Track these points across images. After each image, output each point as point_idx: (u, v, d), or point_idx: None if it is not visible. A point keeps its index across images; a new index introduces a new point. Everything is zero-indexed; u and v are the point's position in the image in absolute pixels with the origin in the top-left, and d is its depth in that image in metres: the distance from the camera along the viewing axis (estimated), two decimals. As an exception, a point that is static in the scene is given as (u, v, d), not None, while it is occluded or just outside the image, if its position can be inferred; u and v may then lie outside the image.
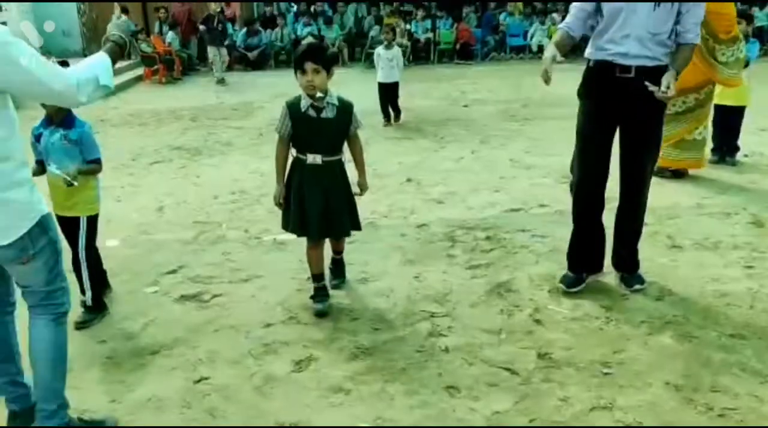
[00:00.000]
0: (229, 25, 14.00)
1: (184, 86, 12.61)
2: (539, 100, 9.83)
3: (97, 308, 3.79)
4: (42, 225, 2.45)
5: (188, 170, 6.89)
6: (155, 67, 12.63)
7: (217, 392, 3.11)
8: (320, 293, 3.84)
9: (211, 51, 12.38)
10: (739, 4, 12.29)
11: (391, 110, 8.72)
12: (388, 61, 8.48)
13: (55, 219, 3.06)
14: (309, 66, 3.41)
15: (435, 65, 13.85)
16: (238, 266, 4.51)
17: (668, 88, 3.41)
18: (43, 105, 3.40)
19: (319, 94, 3.46)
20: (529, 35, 14.36)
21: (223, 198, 5.96)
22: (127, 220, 5.43)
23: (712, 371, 3.10)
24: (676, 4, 3.51)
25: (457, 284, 4.10)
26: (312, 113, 3.51)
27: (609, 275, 4.11)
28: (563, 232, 4.79)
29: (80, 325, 3.66)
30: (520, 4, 15.00)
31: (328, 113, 3.52)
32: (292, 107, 3.54)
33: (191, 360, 3.37)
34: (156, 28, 14.40)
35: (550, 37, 14.37)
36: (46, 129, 3.62)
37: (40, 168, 3.63)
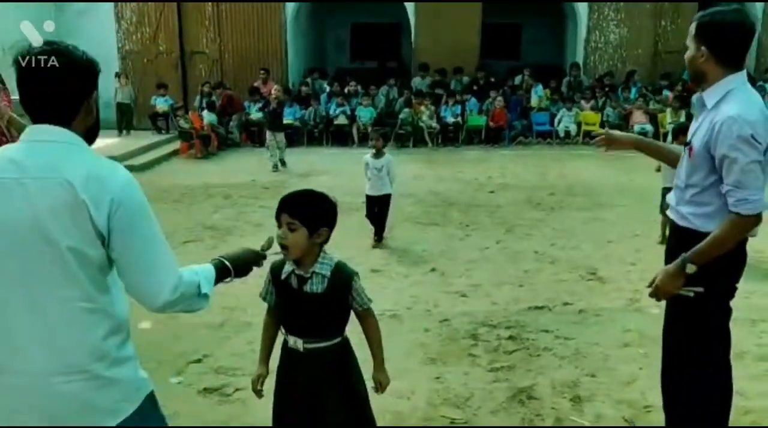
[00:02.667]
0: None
1: (218, 161, 12.99)
2: (565, 189, 9.94)
3: None
4: (152, 401, 2.08)
5: (219, 250, 7.02)
6: (192, 141, 13.07)
7: (235, 496, 3.12)
8: None
9: (269, 135, 12.18)
10: None
11: (373, 226, 7.26)
12: (377, 171, 7.18)
13: None
14: (284, 219, 2.57)
15: (462, 148, 14.09)
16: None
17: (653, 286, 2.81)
18: None
19: (302, 260, 2.61)
20: (556, 121, 14.61)
21: (250, 282, 6.04)
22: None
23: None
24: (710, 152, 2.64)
25: (478, 388, 4.09)
26: (293, 282, 2.66)
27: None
28: (587, 334, 4.82)
29: None
30: (547, 91, 15.31)
31: (315, 286, 2.63)
32: (275, 270, 2.72)
33: (211, 459, 3.40)
34: (197, 102, 14.93)
35: (577, 124, 14.63)
36: None
37: None
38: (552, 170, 11.40)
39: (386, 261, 6.60)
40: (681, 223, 2.85)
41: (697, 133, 2.72)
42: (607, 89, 15.24)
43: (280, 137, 12.08)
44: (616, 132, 3.32)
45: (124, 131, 14.86)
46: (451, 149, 14.05)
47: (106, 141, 14.18)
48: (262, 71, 15.71)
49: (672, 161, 3.14)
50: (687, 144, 2.82)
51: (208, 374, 4.30)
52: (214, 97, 14.73)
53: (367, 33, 19.71)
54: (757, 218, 2.59)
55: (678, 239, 2.86)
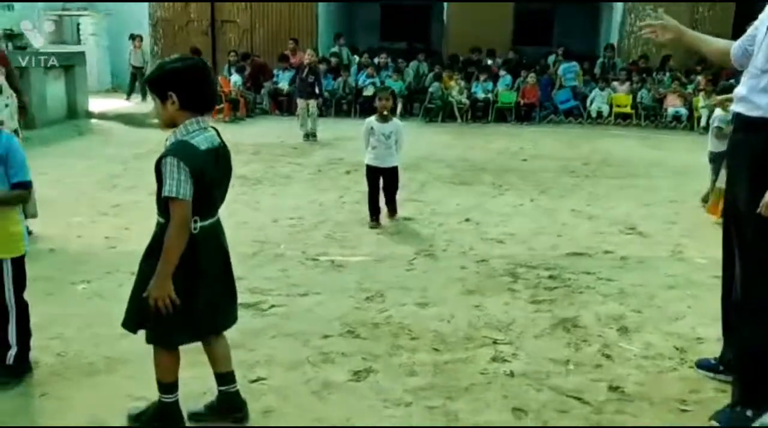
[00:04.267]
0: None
1: (246, 125, 12.91)
2: (599, 161, 9.73)
3: (19, 370, 3.02)
4: None
5: (249, 197, 6.94)
6: (221, 105, 12.99)
7: (274, 392, 3.03)
8: None
9: (300, 103, 11.32)
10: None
11: (383, 204, 6.06)
12: (384, 138, 5.84)
13: None
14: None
15: (492, 124, 13.90)
16: (296, 282, 4.47)
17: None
18: None
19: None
20: (588, 101, 14.35)
21: (281, 222, 5.97)
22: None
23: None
24: None
25: (520, 316, 3.96)
26: None
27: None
28: (630, 277, 4.66)
29: None
30: (580, 72, 15.05)
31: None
32: None
33: (248, 361, 3.30)
34: (225, 70, 14.87)
35: (609, 104, 14.38)
36: None
37: None
38: (584, 145, 11.17)
39: (419, 211, 6.46)
40: (753, 113, 2.69)
41: None
42: (643, 74, 14.95)
43: (313, 104, 11.21)
44: (668, 19, 3.11)
45: (134, 95, 14.78)
46: (481, 125, 13.85)
47: (128, 103, 14.25)
48: (291, 41, 15.60)
49: (714, 52, 3.16)
50: None
51: (243, 293, 4.15)
52: (243, 64, 14.67)
53: (397, 14, 19.57)
54: None
55: (747, 132, 2.72)
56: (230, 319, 2.83)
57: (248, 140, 10.78)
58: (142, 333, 2.67)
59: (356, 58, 15.92)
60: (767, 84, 2.64)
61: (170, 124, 2.54)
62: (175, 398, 2.70)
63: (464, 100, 14.35)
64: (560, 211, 6.62)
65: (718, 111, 6.57)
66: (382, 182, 6.02)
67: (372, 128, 5.90)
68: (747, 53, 2.93)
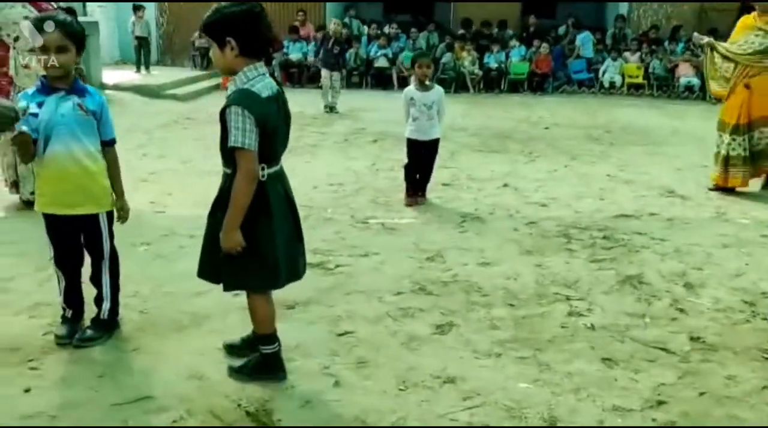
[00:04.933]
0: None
1: (259, 97, 12.83)
2: (620, 129, 9.74)
3: (111, 324, 3.08)
4: None
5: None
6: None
7: (363, 344, 3.06)
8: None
9: (324, 73, 11.07)
10: None
11: (409, 180, 5.59)
12: (426, 108, 5.44)
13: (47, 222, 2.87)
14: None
15: (505, 95, 13.87)
16: (353, 243, 4.48)
17: None
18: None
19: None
20: (600, 71, 14.32)
21: (322, 189, 5.96)
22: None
23: None
24: None
25: (584, 274, 4.00)
26: None
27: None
28: (682, 237, 4.70)
29: (82, 343, 2.94)
30: (594, 42, 15.00)
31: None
32: None
33: (330, 316, 3.33)
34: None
35: (621, 75, 14.35)
36: (50, 96, 2.80)
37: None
38: (601, 115, 11.17)
39: (455, 177, 6.47)
40: None
41: None
42: (653, 45, 14.90)
43: (336, 76, 11.01)
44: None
45: (143, 68, 14.57)
46: (494, 95, 13.81)
47: (138, 75, 14.09)
48: (299, 13, 15.47)
49: None
50: None
51: (306, 254, 4.21)
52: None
53: (401, -15, 19.33)
54: None
55: None
56: (303, 265, 2.85)
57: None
58: (217, 289, 2.70)
59: (365, 28, 15.81)
60: None
61: (230, 71, 2.52)
62: (276, 348, 2.73)
63: (476, 70, 14.30)
64: (595, 176, 6.64)
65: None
66: (422, 156, 5.53)
67: (412, 98, 5.45)
68: None
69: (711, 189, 6.01)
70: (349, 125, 9.55)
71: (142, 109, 10.81)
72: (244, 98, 2.43)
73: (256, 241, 2.53)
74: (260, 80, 2.50)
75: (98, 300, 3.04)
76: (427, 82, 5.54)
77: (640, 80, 14.26)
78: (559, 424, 2.49)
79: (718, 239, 4.66)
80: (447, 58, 14.28)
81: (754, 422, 2.53)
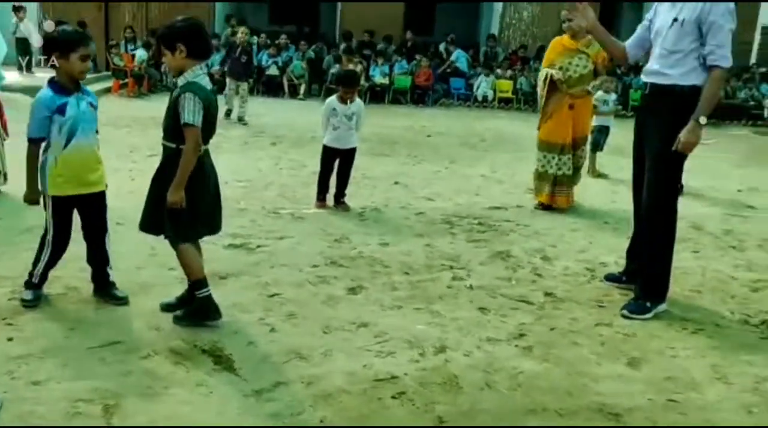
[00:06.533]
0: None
1: (151, 101, 12.99)
2: (493, 138, 10.92)
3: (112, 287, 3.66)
4: None
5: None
6: (125, 80, 12.99)
7: (290, 303, 3.73)
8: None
9: (229, 83, 11.03)
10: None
11: (335, 185, 5.92)
12: (346, 119, 5.75)
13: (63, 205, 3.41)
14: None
15: (389, 106, 14.84)
16: (269, 229, 5.11)
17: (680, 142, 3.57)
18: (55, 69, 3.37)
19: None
20: (475, 86, 15.65)
21: (231, 184, 6.49)
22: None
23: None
24: (699, 24, 3.55)
25: (464, 250, 4.87)
26: None
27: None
28: (541, 223, 5.71)
29: (122, 302, 3.56)
30: (468, 57, 16.34)
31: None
32: None
33: (260, 283, 3.97)
34: (122, 47, 14.74)
35: (493, 90, 15.76)
36: (71, 97, 3.35)
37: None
38: (477, 125, 12.36)
39: (351, 176, 7.20)
40: (664, 82, 3.72)
41: (682, 11, 3.61)
42: (521, 65, 16.44)
43: (244, 86, 10.89)
44: (591, 12, 4.03)
45: (25, 69, 14.27)
46: (379, 106, 14.74)
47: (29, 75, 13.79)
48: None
49: (615, 50, 4.12)
50: (674, 20, 3.67)
51: (225, 238, 4.74)
52: (139, 41, 14.63)
53: (286, -5, 19.94)
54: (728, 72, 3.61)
55: (657, 97, 3.79)
56: (220, 223, 3.58)
57: (161, 114, 11.00)
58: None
59: (255, 38, 16.29)
60: (674, 61, 3.68)
61: (179, 70, 3.23)
62: (208, 292, 3.35)
63: (363, 82, 15.18)
64: (472, 176, 7.63)
65: (599, 92, 7.83)
66: (338, 163, 5.89)
67: (334, 109, 5.75)
68: (645, 47, 4.00)
69: (537, 208, 6.14)
70: (246, 130, 10.08)
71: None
72: (194, 87, 3.18)
73: (191, 199, 3.23)
74: (203, 77, 3.27)
75: (102, 272, 3.62)
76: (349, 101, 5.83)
77: (509, 95, 15.73)
78: (448, 351, 3.28)
79: (570, 224, 5.71)
80: (335, 69, 15.07)
81: (589, 346, 3.44)
